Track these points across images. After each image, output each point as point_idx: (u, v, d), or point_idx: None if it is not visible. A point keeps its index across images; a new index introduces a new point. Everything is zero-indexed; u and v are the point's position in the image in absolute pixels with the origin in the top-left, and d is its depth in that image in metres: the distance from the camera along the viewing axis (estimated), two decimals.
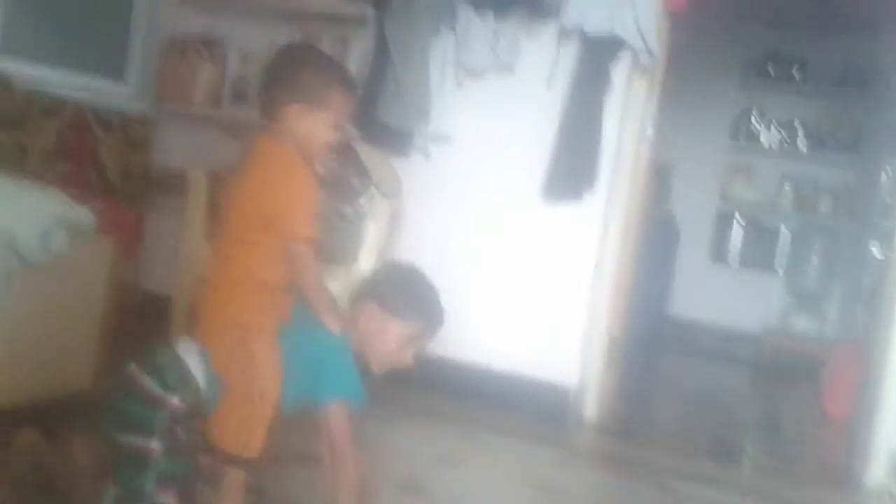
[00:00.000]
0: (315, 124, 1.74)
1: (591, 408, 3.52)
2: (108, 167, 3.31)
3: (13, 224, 1.89)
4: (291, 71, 1.75)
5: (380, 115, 3.36)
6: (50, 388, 2.16)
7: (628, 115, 3.45)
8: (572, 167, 3.29)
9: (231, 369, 1.66)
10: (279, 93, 1.73)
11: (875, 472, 3.16)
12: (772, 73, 6.62)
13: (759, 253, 6.72)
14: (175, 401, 1.62)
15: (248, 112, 3.75)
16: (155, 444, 1.61)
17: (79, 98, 3.18)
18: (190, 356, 1.66)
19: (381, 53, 3.39)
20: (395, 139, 3.42)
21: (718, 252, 6.82)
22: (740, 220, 6.76)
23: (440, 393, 3.31)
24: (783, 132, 6.64)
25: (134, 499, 1.61)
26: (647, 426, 3.78)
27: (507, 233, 3.48)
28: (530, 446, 3.03)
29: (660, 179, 6.31)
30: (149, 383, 1.63)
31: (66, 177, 3.08)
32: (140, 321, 3.06)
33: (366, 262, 3.01)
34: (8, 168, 2.74)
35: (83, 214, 2.12)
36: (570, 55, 3.32)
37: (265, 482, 1.96)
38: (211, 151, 3.73)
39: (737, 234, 6.78)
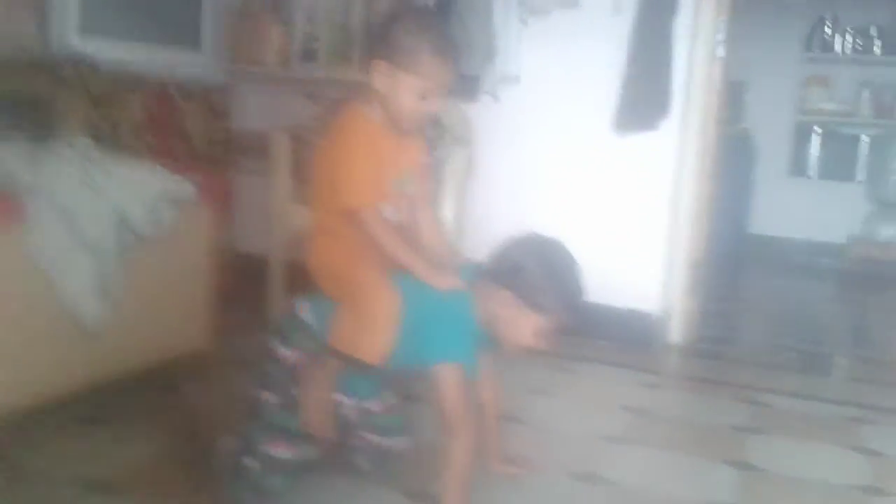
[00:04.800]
0: (399, 87, 1.67)
1: (676, 332, 3.58)
2: (193, 135, 3.47)
3: (124, 201, 2.04)
4: (385, 27, 1.72)
5: None
6: (168, 350, 2.33)
7: (698, 37, 3.43)
8: (644, 96, 3.29)
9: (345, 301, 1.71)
10: (371, 47, 1.75)
11: None
12: None
13: (840, 163, 6.60)
14: (289, 353, 1.74)
15: (317, 70, 3.87)
16: (270, 397, 1.74)
17: (160, 72, 3.33)
18: (304, 309, 1.77)
19: (445, 1, 3.44)
20: (463, 84, 3.47)
21: (798, 166, 6.71)
22: (818, 132, 6.63)
23: None
24: (858, 39, 6.45)
25: (246, 447, 1.73)
26: (733, 345, 3.82)
27: (582, 167, 3.51)
28: (620, 372, 3.12)
29: (734, 97, 6.21)
30: (272, 342, 1.76)
31: (155, 147, 3.24)
32: (240, 280, 3.24)
33: (446, 208, 3.10)
34: (102, 143, 2.91)
35: (184, 187, 2.26)
36: None
37: None
38: (286, 111, 3.86)
39: (816, 146, 6.66)
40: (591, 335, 3.42)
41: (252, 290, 3.09)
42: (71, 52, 3.11)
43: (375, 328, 1.66)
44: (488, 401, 1.92)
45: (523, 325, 1.69)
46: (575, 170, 3.52)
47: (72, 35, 3.16)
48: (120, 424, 2.18)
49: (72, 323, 1.94)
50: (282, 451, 1.72)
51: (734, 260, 5.84)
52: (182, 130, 3.42)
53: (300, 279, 1.94)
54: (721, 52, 3.58)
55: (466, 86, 3.48)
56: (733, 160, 5.50)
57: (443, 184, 3.10)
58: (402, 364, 1.72)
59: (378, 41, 1.72)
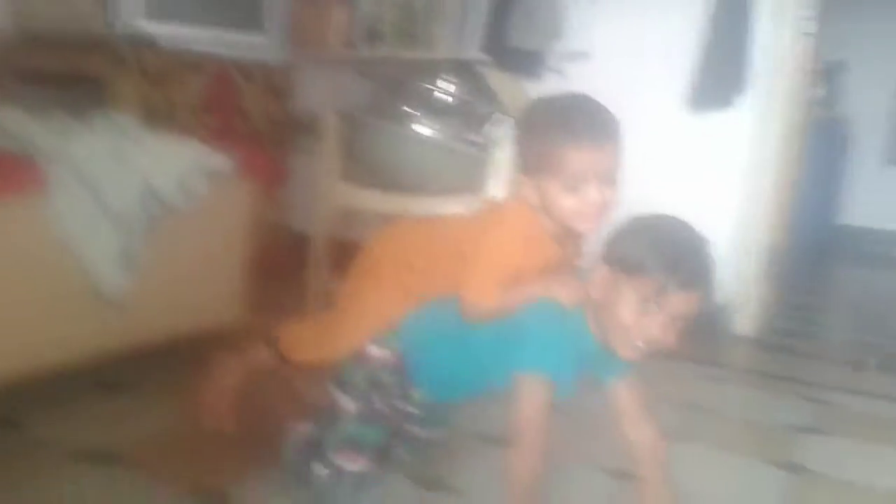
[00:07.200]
0: (546, 194, 1.52)
1: (748, 323, 3.37)
2: (253, 115, 3.45)
3: (153, 173, 2.01)
4: (518, 136, 1.58)
5: (510, 38, 3.31)
6: (197, 322, 2.30)
7: (783, 10, 3.21)
8: (718, 73, 3.13)
9: None
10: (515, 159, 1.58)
11: None
12: None
13: None
14: (376, 351, 1.62)
15: (383, 51, 3.80)
16: (348, 403, 1.62)
17: (221, 53, 3.34)
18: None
19: None
20: (527, 62, 3.35)
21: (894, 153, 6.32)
22: None
23: None
24: None
25: (317, 453, 1.60)
26: (809, 340, 3.57)
27: (652, 146, 3.33)
28: (683, 366, 2.95)
29: (830, 77, 5.88)
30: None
31: (213, 128, 3.24)
32: (289, 258, 3.19)
33: (495, 189, 2.99)
34: (159, 122, 2.92)
35: (221, 161, 2.21)
36: None
37: None
38: (348, 92, 3.82)
39: None
40: None
41: (297, 266, 3.04)
42: (131, 33, 3.14)
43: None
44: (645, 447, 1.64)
45: (620, 299, 1.40)
46: (644, 148, 3.35)
47: (138, 19, 3.21)
48: (140, 393, 2.15)
49: (91, 291, 1.92)
50: (356, 464, 1.59)
51: (820, 251, 5.53)
52: (242, 111, 3.41)
53: (344, 258, 1.88)
54: (809, 28, 3.34)
55: (530, 62, 3.36)
56: (825, 146, 5.22)
57: (494, 164, 2.99)
58: (493, 384, 1.55)
59: (516, 154, 1.57)
